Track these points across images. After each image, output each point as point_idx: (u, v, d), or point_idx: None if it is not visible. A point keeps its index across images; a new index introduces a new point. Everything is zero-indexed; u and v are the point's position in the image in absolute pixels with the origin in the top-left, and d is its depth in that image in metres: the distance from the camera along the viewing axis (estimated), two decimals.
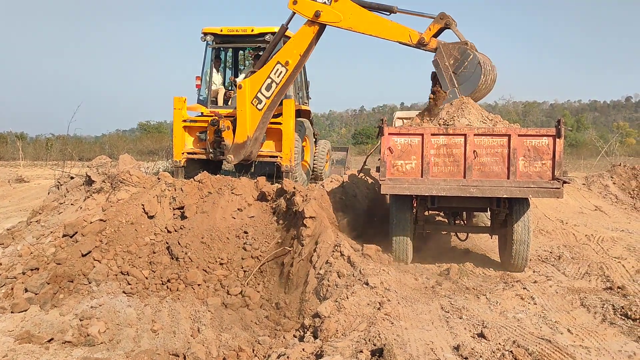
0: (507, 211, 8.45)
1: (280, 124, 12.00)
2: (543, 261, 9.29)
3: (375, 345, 4.85)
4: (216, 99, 12.75)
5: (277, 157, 12.11)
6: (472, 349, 5.20)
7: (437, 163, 7.77)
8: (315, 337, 5.64)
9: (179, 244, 8.81)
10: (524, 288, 7.44)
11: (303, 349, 5.09)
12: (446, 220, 9.76)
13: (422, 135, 7.74)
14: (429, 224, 9.21)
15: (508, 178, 7.61)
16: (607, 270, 8.44)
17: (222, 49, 13.25)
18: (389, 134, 7.84)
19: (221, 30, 12.41)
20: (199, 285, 8.21)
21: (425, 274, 8.25)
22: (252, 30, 12.28)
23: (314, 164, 14.15)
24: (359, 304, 6.16)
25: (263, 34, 12.24)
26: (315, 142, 14.70)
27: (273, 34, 12.19)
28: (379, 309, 6.06)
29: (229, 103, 12.63)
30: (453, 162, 7.73)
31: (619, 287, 7.40)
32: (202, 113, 12.53)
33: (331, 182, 11.19)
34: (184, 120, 12.33)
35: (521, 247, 8.25)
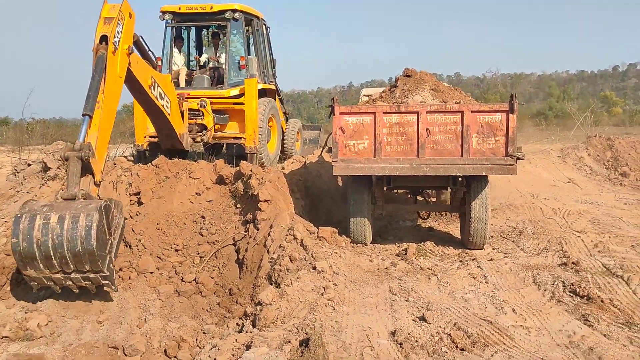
0: (465, 189, 8.33)
1: (242, 104, 11.76)
2: (504, 237, 9.20)
3: (307, 334, 4.72)
4: (178, 79, 12.45)
5: (240, 138, 11.88)
6: (409, 333, 5.09)
7: (389, 142, 7.59)
8: (254, 326, 5.52)
9: (133, 230, 8.64)
10: (478, 267, 7.34)
11: (236, 340, 4.96)
12: (411, 198, 9.63)
13: (374, 114, 7.55)
14: (388, 204, 9.05)
15: (461, 156, 7.46)
16: (565, 245, 8.35)
17: (183, 28, 12.93)
18: (341, 113, 7.64)
19: (179, 9, 12.07)
20: (151, 273, 8.04)
21: (382, 254, 8.13)
22: (211, 8, 11.94)
23: (283, 143, 13.93)
24: (302, 289, 6.04)
25: (223, 11, 11.90)
26: (286, 121, 14.46)
27: (233, 10, 11.89)
28: (322, 294, 5.95)
29: (192, 84, 12.33)
30: (406, 141, 7.56)
31: (573, 263, 7.30)
32: None
33: (292, 163, 11.01)
34: None
35: (479, 225, 8.13)
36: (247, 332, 5.34)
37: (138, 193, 9.39)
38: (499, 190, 14.64)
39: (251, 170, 8.91)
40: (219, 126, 12.15)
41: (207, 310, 7.35)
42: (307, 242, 7.54)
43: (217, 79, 12.33)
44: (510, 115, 7.32)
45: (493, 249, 8.52)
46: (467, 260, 7.71)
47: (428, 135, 7.48)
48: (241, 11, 12.09)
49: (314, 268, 6.57)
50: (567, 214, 10.91)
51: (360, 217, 8.34)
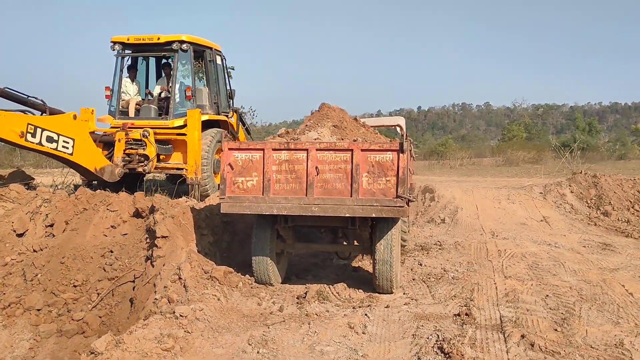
0: (369, 229, 7.92)
1: (185, 134, 11.60)
2: (424, 281, 8.68)
3: None
4: (127, 109, 12.37)
5: (182, 169, 11.69)
6: None
7: (279, 180, 7.25)
8: None
9: (34, 264, 8.44)
10: (365, 314, 6.88)
11: None
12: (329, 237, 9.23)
13: (263, 150, 7.24)
14: (301, 243, 8.64)
15: (351, 196, 7.07)
16: (476, 292, 7.82)
17: (137, 58, 12.91)
18: (229, 149, 7.34)
19: (128, 39, 12.04)
20: (38, 310, 7.81)
21: (280, 297, 7.72)
22: (159, 39, 11.89)
23: None
24: (144, 337, 5.67)
25: (170, 42, 11.85)
26: None
27: (180, 42, 11.82)
28: (161, 343, 5.57)
29: (139, 114, 12.22)
30: (295, 179, 7.20)
31: (466, 314, 6.78)
32: (110, 125, 12.16)
33: (217, 195, 10.71)
34: (92, 133, 11.96)
35: (384, 268, 7.68)
36: None
37: (53, 225, 9.21)
38: (461, 227, 14.15)
39: (156, 204, 8.64)
40: (164, 156, 12.00)
41: (78, 352, 7.03)
42: (190, 283, 7.21)
43: (166, 110, 12.21)
44: (401, 155, 6.91)
45: (404, 293, 8.03)
46: (363, 306, 7.26)
47: (317, 174, 7.11)
48: (189, 42, 12.00)
49: (173, 312, 6.22)
50: (511, 256, 10.35)
51: (262, 256, 7.97)
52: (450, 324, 6.52)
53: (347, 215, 7.11)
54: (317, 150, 7.10)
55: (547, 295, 7.68)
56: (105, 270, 8.37)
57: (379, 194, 7.02)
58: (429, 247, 11.54)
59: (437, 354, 5.69)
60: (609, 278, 8.70)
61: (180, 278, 7.26)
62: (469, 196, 16.89)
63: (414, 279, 8.83)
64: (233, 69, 24.26)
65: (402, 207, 6.96)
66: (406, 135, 6.89)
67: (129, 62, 12.77)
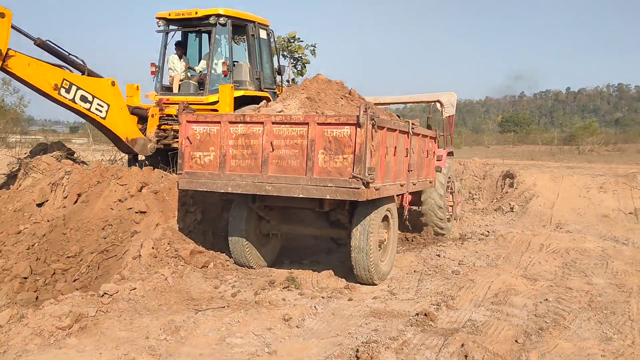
0: (346, 213, 7.18)
1: (216, 111, 11.38)
2: (422, 274, 7.77)
3: None
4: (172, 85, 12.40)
5: None
6: None
7: (235, 155, 6.71)
8: None
9: (35, 234, 8.64)
10: (314, 306, 6.21)
11: None
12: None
13: (220, 123, 6.74)
14: (287, 224, 8.02)
15: (305, 174, 6.36)
16: (464, 290, 6.83)
17: (187, 34, 12.87)
18: (187, 121, 6.93)
19: (169, 15, 12.00)
20: (25, 278, 7.95)
21: (247, 282, 7.24)
22: (196, 13, 11.71)
23: None
24: (50, 314, 5.47)
25: (207, 17, 11.62)
26: None
27: (217, 15, 11.56)
28: (60, 321, 5.34)
29: (180, 89, 12.20)
30: (251, 155, 6.63)
31: (425, 314, 5.87)
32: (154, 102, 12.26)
33: None
34: (136, 107, 12.13)
35: (359, 256, 6.93)
36: None
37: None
38: (528, 217, 12.76)
39: (144, 181, 8.48)
40: None
41: None
42: (147, 261, 6.97)
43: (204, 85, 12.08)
44: (358, 129, 6.08)
45: (388, 286, 7.23)
46: (327, 297, 6.60)
47: (272, 150, 6.48)
48: (227, 16, 11.70)
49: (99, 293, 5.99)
50: (551, 252, 9.07)
51: (237, 237, 7.52)
52: (399, 325, 5.68)
53: (301, 195, 6.42)
54: (272, 123, 6.47)
55: (547, 299, 6.51)
56: (99, 244, 8.37)
57: (335, 174, 6.26)
58: (469, 238, 10.45)
59: (350, 357, 4.93)
60: None
61: (140, 256, 7.03)
62: (555, 183, 15.20)
63: (415, 271, 7.94)
64: (315, 47, 23.75)
65: (358, 188, 6.13)
66: (367, 107, 6.00)
67: (179, 38, 12.75)
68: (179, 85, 12.27)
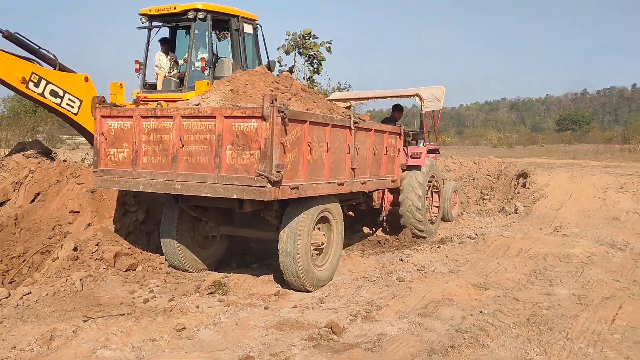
0: (274, 213, 6.65)
1: None
2: (364, 279, 7.17)
3: None
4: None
5: None
6: None
7: (147, 152, 6.27)
8: None
9: None
10: (217, 315, 5.72)
11: None
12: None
13: (132, 117, 6.32)
14: (226, 226, 7.52)
15: (214, 172, 5.86)
16: (396, 300, 6.20)
17: (175, 30, 12.59)
18: (102, 116, 6.54)
19: (150, 11, 11.73)
20: None
21: (172, 287, 6.80)
22: (175, 8, 11.40)
23: None
24: None
25: (186, 11, 11.28)
26: None
27: (196, 10, 11.20)
28: None
29: (162, 87, 11.92)
30: (162, 151, 6.17)
31: (332, 327, 5.28)
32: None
33: None
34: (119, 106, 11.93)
35: (287, 260, 6.39)
36: None
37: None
38: (529, 219, 11.89)
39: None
40: None
41: None
42: (64, 264, 6.65)
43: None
44: (264, 123, 5.53)
45: (323, 294, 6.66)
46: (246, 305, 6.12)
47: (182, 146, 6.01)
48: (206, 10, 11.33)
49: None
50: (527, 257, 8.28)
51: (168, 239, 7.11)
52: (295, 338, 5.12)
53: (209, 195, 5.92)
54: (182, 117, 6.01)
55: (481, 312, 5.80)
56: (44, 244, 8.13)
57: (242, 171, 5.73)
58: (449, 241, 9.72)
59: None
60: (618, 297, 6.40)
61: (58, 258, 6.72)
62: (573, 183, 14.13)
63: (364, 277, 7.33)
64: (331, 44, 23.05)
65: (264, 187, 5.59)
66: (274, 98, 5.45)
67: (166, 35, 12.48)
68: (162, 82, 12.00)
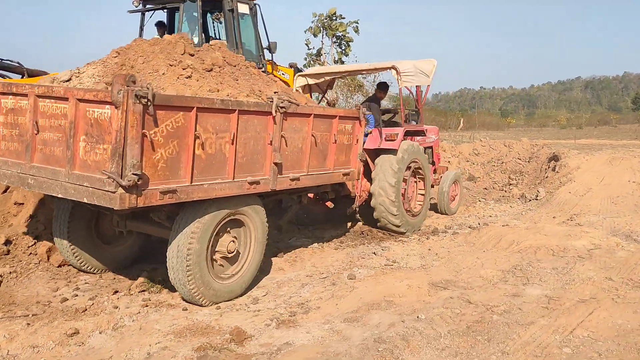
0: (164, 214, 5.48)
1: None
2: (314, 277, 6.12)
3: None
4: None
5: None
6: None
7: (4, 136, 5.21)
8: None
9: None
10: (121, 318, 4.90)
11: None
12: None
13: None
14: (134, 222, 6.09)
15: (66, 168, 4.69)
16: (330, 301, 5.29)
17: (174, 13, 11.71)
18: None
19: None
20: None
21: (100, 285, 5.92)
22: None
23: None
24: None
25: None
26: None
27: None
28: None
29: None
30: (18, 137, 5.08)
31: (236, 335, 4.33)
32: None
33: None
34: None
35: (174, 272, 5.17)
36: None
37: None
38: (548, 206, 10.40)
39: None
40: None
41: None
42: None
43: None
44: (116, 111, 4.33)
45: (261, 293, 5.69)
46: (156, 306, 5.25)
47: (37, 132, 4.94)
48: None
49: None
50: (517, 251, 7.11)
51: (59, 238, 6.04)
52: (187, 348, 4.24)
53: (60, 195, 4.79)
54: (36, 97, 4.92)
55: (418, 317, 4.75)
56: None
57: (94, 170, 4.52)
58: (441, 232, 8.42)
59: None
60: (597, 299, 4.99)
61: None
62: (608, 166, 12.41)
63: (320, 273, 6.25)
64: (358, 24, 21.74)
65: (113, 192, 4.35)
66: (146, 85, 4.26)
67: (163, 19, 11.63)
68: None
